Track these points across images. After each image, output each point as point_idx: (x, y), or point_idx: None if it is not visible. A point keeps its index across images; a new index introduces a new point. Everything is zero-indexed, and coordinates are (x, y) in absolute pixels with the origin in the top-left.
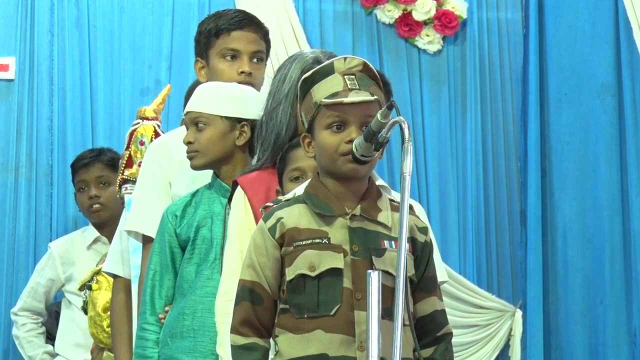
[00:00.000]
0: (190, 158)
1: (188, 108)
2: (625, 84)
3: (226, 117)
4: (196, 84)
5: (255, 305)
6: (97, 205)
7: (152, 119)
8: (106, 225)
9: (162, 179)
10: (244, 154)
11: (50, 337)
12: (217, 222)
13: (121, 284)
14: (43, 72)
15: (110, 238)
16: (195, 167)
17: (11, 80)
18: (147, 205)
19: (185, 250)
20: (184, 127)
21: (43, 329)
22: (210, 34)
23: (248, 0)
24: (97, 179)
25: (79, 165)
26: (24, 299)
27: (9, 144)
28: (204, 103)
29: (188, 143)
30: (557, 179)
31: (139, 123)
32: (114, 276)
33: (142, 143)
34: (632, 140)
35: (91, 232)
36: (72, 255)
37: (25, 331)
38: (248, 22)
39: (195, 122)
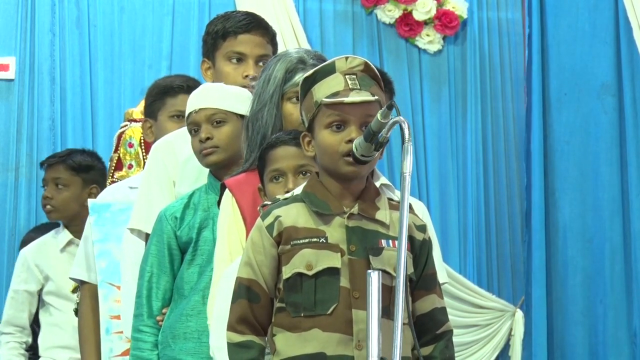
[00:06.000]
0: (208, 154)
1: (200, 105)
2: (625, 84)
3: (240, 115)
4: (156, 85)
5: (252, 303)
6: (48, 207)
7: (140, 120)
8: (70, 226)
9: (166, 178)
10: None
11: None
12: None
13: (87, 290)
14: (43, 71)
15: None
16: (213, 163)
17: (11, 80)
18: (151, 204)
19: (186, 252)
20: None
21: (24, 352)
22: (217, 36)
23: (248, 0)
24: (54, 180)
25: (44, 164)
26: (5, 311)
27: (9, 144)
28: (219, 100)
29: (207, 139)
30: (557, 179)
31: (126, 125)
32: (81, 282)
33: (130, 145)
34: (632, 140)
35: (64, 235)
36: (46, 260)
37: (8, 349)
38: (255, 25)
39: (211, 119)
